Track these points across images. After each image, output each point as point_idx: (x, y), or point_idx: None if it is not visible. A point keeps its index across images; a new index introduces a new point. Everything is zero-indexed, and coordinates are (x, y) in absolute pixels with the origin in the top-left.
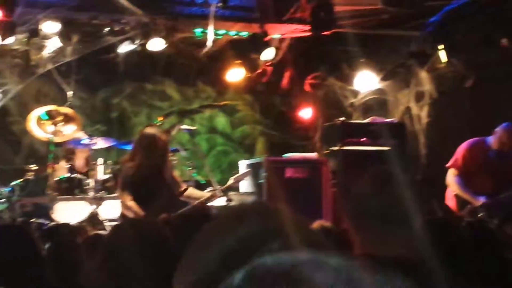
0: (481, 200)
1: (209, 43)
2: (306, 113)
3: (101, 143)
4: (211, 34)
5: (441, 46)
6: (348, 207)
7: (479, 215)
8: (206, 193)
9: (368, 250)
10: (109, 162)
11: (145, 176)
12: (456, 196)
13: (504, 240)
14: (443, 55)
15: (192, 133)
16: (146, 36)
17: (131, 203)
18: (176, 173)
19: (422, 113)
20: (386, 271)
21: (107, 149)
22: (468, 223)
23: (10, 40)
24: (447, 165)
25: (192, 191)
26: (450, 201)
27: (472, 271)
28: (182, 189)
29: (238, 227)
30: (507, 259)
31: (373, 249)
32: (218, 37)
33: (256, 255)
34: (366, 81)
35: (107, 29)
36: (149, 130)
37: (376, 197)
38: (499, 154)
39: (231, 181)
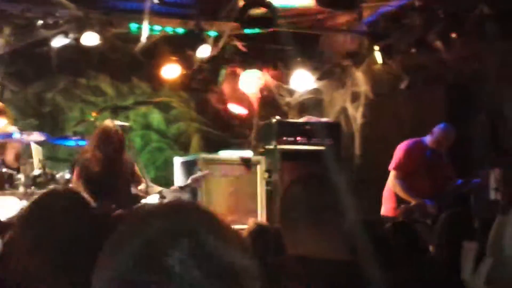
0: (418, 200)
1: (143, 39)
2: (241, 111)
3: (33, 137)
4: (145, 29)
5: (376, 47)
6: (280, 206)
7: (413, 216)
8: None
9: (297, 250)
10: (40, 158)
11: (100, 169)
12: (396, 196)
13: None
14: (378, 56)
15: (126, 129)
16: (80, 30)
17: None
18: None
19: (357, 114)
20: (316, 271)
21: (39, 144)
22: (393, 224)
23: None
24: (389, 168)
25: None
26: (389, 202)
27: (394, 270)
28: (142, 184)
29: (146, 227)
30: (423, 258)
31: (302, 249)
32: (154, 32)
33: (165, 255)
34: (302, 80)
35: (40, 22)
36: (106, 123)
37: (306, 196)
38: (436, 154)
39: (189, 181)
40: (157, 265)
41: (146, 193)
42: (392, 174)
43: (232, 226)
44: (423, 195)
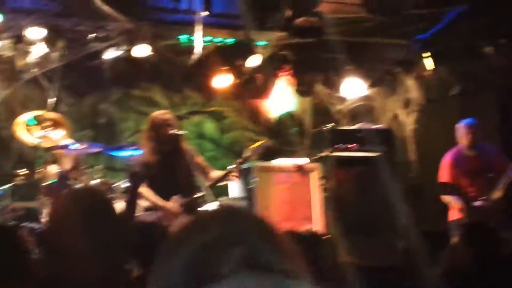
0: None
1: (197, 50)
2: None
3: (89, 148)
4: (199, 41)
5: (426, 54)
6: (335, 213)
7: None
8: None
9: (351, 258)
10: (98, 167)
11: (156, 159)
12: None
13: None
14: (428, 63)
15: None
16: (131, 43)
17: (142, 189)
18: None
19: (409, 120)
20: (372, 279)
21: (96, 155)
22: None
23: None
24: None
25: (214, 173)
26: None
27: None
28: (208, 173)
29: (198, 235)
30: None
31: (356, 256)
32: (204, 43)
33: (218, 263)
34: (353, 88)
35: (92, 36)
36: (154, 114)
37: (361, 203)
38: (474, 153)
39: (247, 153)
40: (209, 273)
41: (229, 173)
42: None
43: (284, 234)
44: (476, 197)
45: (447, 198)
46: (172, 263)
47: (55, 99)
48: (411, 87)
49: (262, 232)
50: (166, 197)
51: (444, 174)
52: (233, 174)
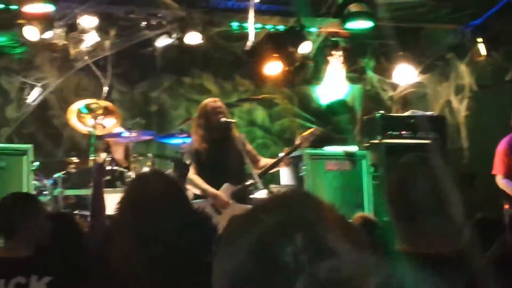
0: None
1: (251, 37)
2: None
3: (140, 136)
4: (252, 28)
5: (480, 39)
6: (387, 198)
7: None
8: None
9: (408, 245)
10: (149, 155)
11: (206, 146)
12: None
13: None
14: (482, 48)
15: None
16: (183, 30)
17: (193, 176)
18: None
19: (461, 107)
20: (426, 267)
21: (147, 142)
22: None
23: (49, 34)
24: (492, 173)
25: (264, 161)
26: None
27: None
28: (258, 161)
29: (259, 222)
30: None
31: (413, 243)
32: (256, 30)
33: (280, 251)
34: (405, 74)
35: (144, 23)
36: (204, 102)
37: (413, 185)
38: None
39: (298, 140)
40: (272, 261)
41: (279, 161)
42: (496, 177)
43: (345, 219)
44: None
45: (503, 185)
46: (234, 252)
47: (108, 87)
48: (464, 73)
49: (324, 216)
50: (216, 185)
51: (499, 161)
52: (284, 161)
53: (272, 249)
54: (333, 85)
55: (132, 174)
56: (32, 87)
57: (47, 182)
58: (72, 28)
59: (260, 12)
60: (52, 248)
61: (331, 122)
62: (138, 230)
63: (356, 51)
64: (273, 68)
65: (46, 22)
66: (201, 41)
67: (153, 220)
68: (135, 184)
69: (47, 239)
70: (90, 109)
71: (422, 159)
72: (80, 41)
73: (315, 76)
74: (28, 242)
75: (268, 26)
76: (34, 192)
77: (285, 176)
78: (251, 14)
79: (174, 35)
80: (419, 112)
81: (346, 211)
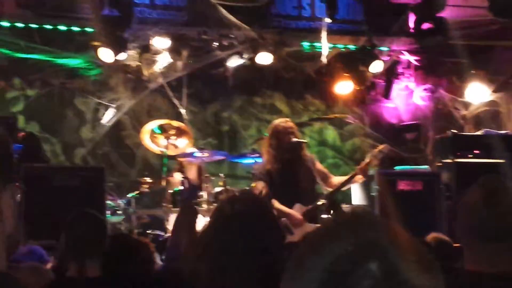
0: None
1: (323, 58)
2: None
3: (212, 156)
4: (325, 47)
5: None
6: (458, 220)
7: None
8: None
9: (476, 267)
10: (221, 174)
11: (277, 166)
12: None
13: None
14: None
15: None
16: (254, 50)
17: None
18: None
19: None
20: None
21: (219, 162)
22: None
23: (123, 56)
24: None
25: (335, 179)
26: None
27: None
28: (329, 178)
29: (329, 247)
30: None
31: (481, 265)
32: (328, 50)
33: (354, 281)
34: (477, 93)
35: (215, 44)
36: (275, 122)
37: (485, 209)
38: None
39: (367, 158)
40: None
41: (352, 177)
42: None
43: (420, 244)
44: None
45: None
46: (302, 278)
47: (184, 108)
48: None
49: (399, 243)
50: (288, 205)
51: None
52: (358, 177)
53: (346, 279)
54: (405, 104)
55: (204, 194)
56: (107, 108)
57: (121, 202)
58: (145, 49)
59: (331, 31)
60: (119, 270)
61: (403, 142)
62: (234, 249)
63: (428, 69)
64: (344, 87)
65: (121, 43)
66: (272, 61)
67: (247, 238)
68: (228, 205)
69: (113, 260)
70: (163, 130)
71: (501, 179)
72: (153, 62)
73: (386, 95)
74: (97, 263)
75: (339, 46)
76: (108, 212)
77: (357, 196)
78: (324, 34)
79: (246, 56)
80: (493, 131)
81: (419, 233)
